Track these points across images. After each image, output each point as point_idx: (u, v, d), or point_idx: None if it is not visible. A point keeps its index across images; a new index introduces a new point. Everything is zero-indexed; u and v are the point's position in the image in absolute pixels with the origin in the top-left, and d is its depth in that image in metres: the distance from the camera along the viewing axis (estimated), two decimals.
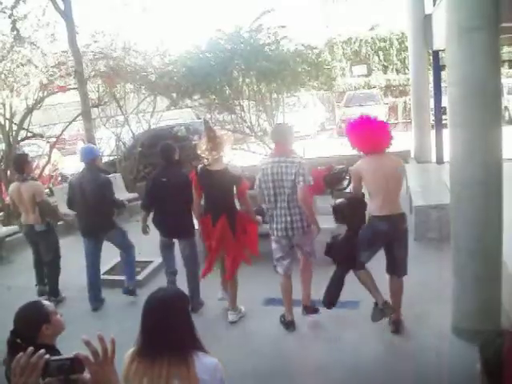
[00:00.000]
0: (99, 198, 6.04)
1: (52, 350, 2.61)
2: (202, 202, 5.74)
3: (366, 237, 4.98)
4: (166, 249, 6.14)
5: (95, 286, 6.35)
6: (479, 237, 4.50)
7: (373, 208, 4.94)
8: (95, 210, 6.07)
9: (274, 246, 5.33)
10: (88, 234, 6.33)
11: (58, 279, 6.68)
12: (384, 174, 4.82)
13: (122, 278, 6.58)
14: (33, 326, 2.68)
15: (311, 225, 5.19)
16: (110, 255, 6.81)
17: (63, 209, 8.41)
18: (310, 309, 5.41)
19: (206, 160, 5.55)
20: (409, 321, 5.16)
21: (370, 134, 4.91)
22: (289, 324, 5.37)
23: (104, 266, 6.82)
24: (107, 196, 6.11)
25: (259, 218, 5.79)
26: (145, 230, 6.07)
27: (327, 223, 6.73)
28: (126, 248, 6.40)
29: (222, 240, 5.50)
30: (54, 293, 6.52)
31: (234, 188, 5.53)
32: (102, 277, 6.60)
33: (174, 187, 5.70)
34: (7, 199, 7.15)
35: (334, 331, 5.23)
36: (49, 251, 6.59)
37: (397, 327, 5.05)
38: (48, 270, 6.67)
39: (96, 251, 6.36)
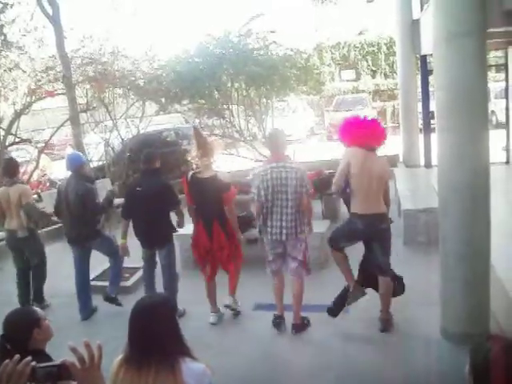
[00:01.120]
0: (82, 207, 5.99)
1: (42, 355, 2.60)
2: None
3: (344, 231, 5.16)
4: (148, 264, 6.01)
5: (83, 293, 6.29)
6: (467, 240, 4.53)
7: (352, 204, 5.03)
8: (79, 219, 6.04)
9: (266, 248, 5.38)
10: (73, 243, 6.30)
11: (43, 285, 6.63)
12: (370, 171, 4.86)
13: None
14: (24, 330, 2.66)
15: (304, 230, 5.27)
16: (100, 261, 6.75)
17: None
18: (299, 326, 5.38)
19: (195, 166, 5.58)
20: (398, 324, 5.18)
21: (365, 129, 4.98)
22: (278, 318, 5.43)
23: (94, 272, 6.78)
24: (88, 206, 6.01)
25: (241, 236, 5.83)
26: (124, 250, 5.93)
27: (317, 227, 6.77)
28: (113, 255, 6.30)
29: (219, 245, 5.56)
30: (38, 299, 6.48)
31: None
32: (91, 283, 6.56)
33: (149, 196, 5.62)
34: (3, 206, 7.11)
35: (324, 335, 5.23)
36: (33, 256, 6.56)
37: (384, 326, 5.14)
38: (33, 274, 6.62)
39: (83, 259, 6.30)
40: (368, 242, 5.07)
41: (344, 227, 5.21)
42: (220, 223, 5.51)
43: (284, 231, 5.15)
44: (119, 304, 6.13)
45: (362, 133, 4.96)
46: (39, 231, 6.80)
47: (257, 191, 5.18)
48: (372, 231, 4.94)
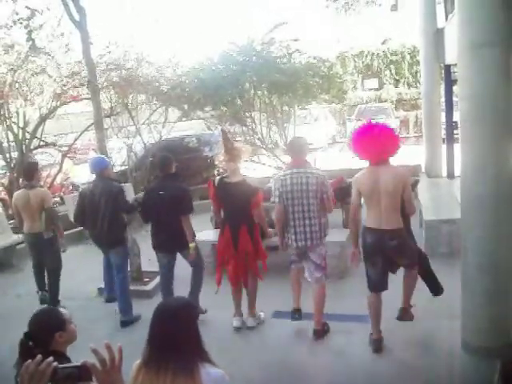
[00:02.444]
0: (115, 206, 6.06)
1: (63, 357, 2.62)
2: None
3: (362, 246, 5.03)
4: (167, 269, 6.01)
5: (108, 278, 6.51)
6: (490, 251, 4.47)
7: (365, 218, 4.96)
8: (108, 220, 6.08)
9: (290, 251, 5.44)
10: (100, 245, 6.38)
11: (58, 290, 6.69)
12: (381, 188, 4.73)
13: (132, 287, 6.59)
14: (47, 331, 2.69)
15: (327, 235, 5.32)
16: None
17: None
18: (320, 332, 5.39)
19: (216, 172, 5.62)
20: (419, 336, 5.13)
21: (370, 141, 4.83)
22: (294, 312, 5.51)
23: None
24: (121, 204, 6.09)
25: (271, 230, 5.84)
26: None
27: (337, 236, 6.74)
28: (120, 272, 6.25)
29: (244, 250, 5.56)
30: (54, 302, 6.54)
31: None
32: None
33: (170, 199, 5.66)
34: (21, 209, 7.22)
35: (344, 344, 5.20)
36: (53, 259, 6.65)
37: (402, 315, 5.17)
38: (50, 278, 6.70)
39: (109, 261, 6.41)
40: (388, 257, 4.93)
41: (361, 243, 5.05)
42: (247, 228, 5.52)
43: (308, 236, 5.18)
44: (137, 320, 6.06)
45: (373, 148, 4.80)
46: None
47: (278, 194, 5.24)
48: (385, 246, 4.82)
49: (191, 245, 5.76)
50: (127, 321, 6.07)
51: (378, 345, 5.00)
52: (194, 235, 5.89)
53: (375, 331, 5.05)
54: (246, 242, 5.51)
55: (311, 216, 5.16)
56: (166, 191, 5.72)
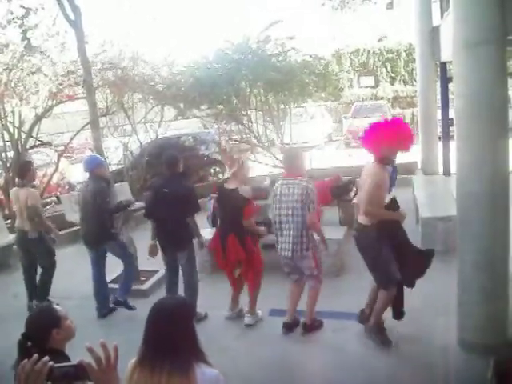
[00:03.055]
0: (95, 207, 6.06)
1: (61, 355, 2.63)
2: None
3: None
4: (171, 268, 5.99)
5: (100, 294, 6.36)
6: (486, 249, 4.49)
7: None
8: (93, 219, 6.11)
9: (282, 261, 5.41)
10: (88, 244, 6.38)
11: (49, 284, 6.66)
12: (362, 184, 4.92)
13: None
14: (43, 329, 2.70)
15: (310, 247, 5.20)
16: (118, 263, 6.77)
17: (70, 217, 8.49)
18: (309, 327, 5.39)
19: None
20: (416, 333, 5.14)
21: (363, 134, 4.97)
22: (285, 325, 5.42)
23: (111, 274, 6.82)
24: (99, 205, 6.05)
25: (262, 228, 5.82)
26: (152, 249, 5.91)
27: (334, 234, 6.75)
28: (125, 260, 6.33)
29: (235, 257, 5.56)
30: (41, 296, 6.51)
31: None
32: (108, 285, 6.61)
33: (175, 198, 5.64)
34: (15, 207, 7.26)
35: (341, 343, 5.20)
36: (42, 259, 6.63)
37: (368, 332, 5.10)
38: (40, 275, 6.69)
39: (98, 260, 6.37)
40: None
41: None
42: (236, 237, 5.50)
43: (289, 247, 5.14)
44: (130, 308, 6.14)
45: (365, 141, 4.91)
46: (52, 235, 6.83)
47: (272, 205, 5.31)
48: (358, 242, 4.98)
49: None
50: (121, 301, 6.15)
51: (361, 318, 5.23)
52: (199, 234, 5.94)
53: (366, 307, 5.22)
54: (235, 251, 5.51)
55: (293, 227, 5.10)
56: (170, 189, 5.70)
